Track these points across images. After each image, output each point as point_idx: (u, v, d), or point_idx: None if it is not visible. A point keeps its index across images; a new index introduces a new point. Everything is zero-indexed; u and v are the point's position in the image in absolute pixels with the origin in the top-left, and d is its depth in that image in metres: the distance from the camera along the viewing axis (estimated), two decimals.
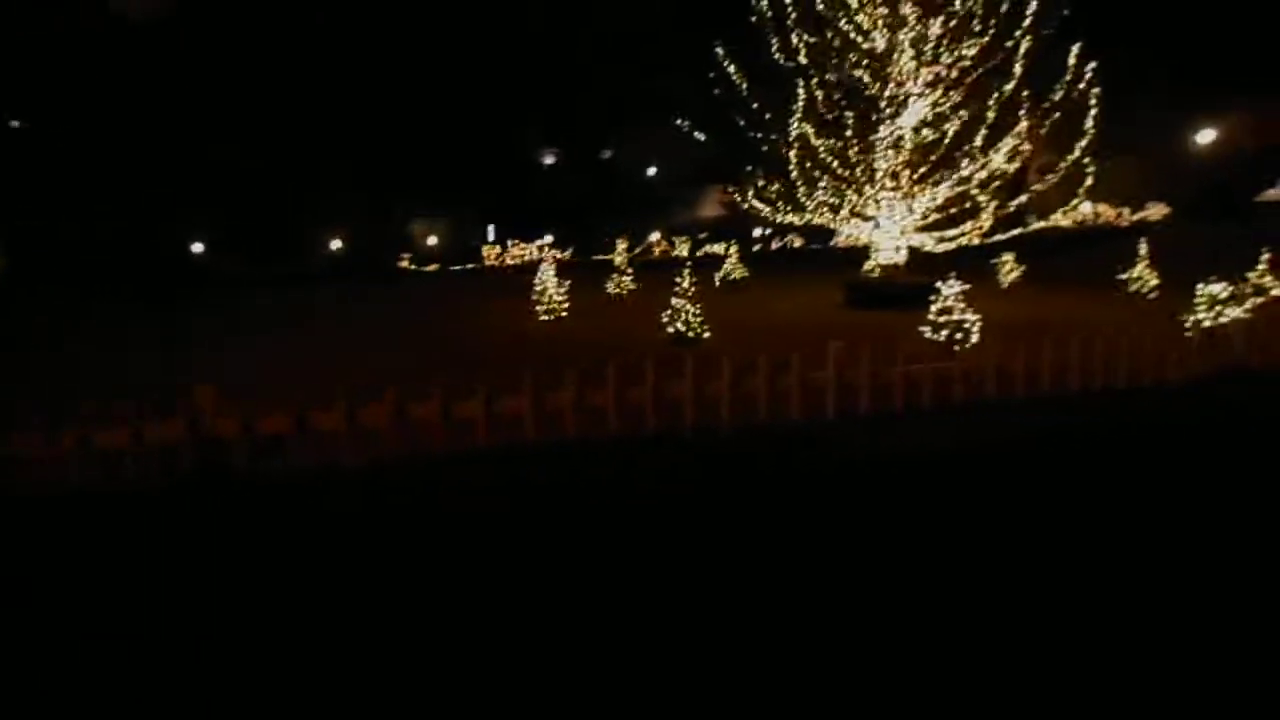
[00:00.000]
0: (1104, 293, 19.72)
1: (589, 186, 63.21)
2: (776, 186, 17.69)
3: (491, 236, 59.55)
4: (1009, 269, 22.19)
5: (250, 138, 41.55)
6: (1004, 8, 16.23)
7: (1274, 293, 13.29)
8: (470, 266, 43.52)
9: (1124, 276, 19.98)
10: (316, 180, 41.42)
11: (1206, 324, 11.21)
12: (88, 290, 29.68)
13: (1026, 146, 16.50)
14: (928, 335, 11.51)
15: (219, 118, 41.22)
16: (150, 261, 37.64)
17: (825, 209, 17.40)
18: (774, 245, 40.47)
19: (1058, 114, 16.01)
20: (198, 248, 45.07)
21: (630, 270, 23.84)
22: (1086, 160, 16.13)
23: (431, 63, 49.62)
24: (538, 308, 16.54)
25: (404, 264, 44.37)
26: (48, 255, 36.18)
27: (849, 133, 16.60)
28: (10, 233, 37.13)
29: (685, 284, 13.08)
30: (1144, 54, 16.95)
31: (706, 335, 12.91)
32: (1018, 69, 15.85)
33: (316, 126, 41.89)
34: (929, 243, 17.52)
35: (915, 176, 16.69)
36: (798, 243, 41.30)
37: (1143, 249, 19.80)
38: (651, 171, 63.41)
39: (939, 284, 11.96)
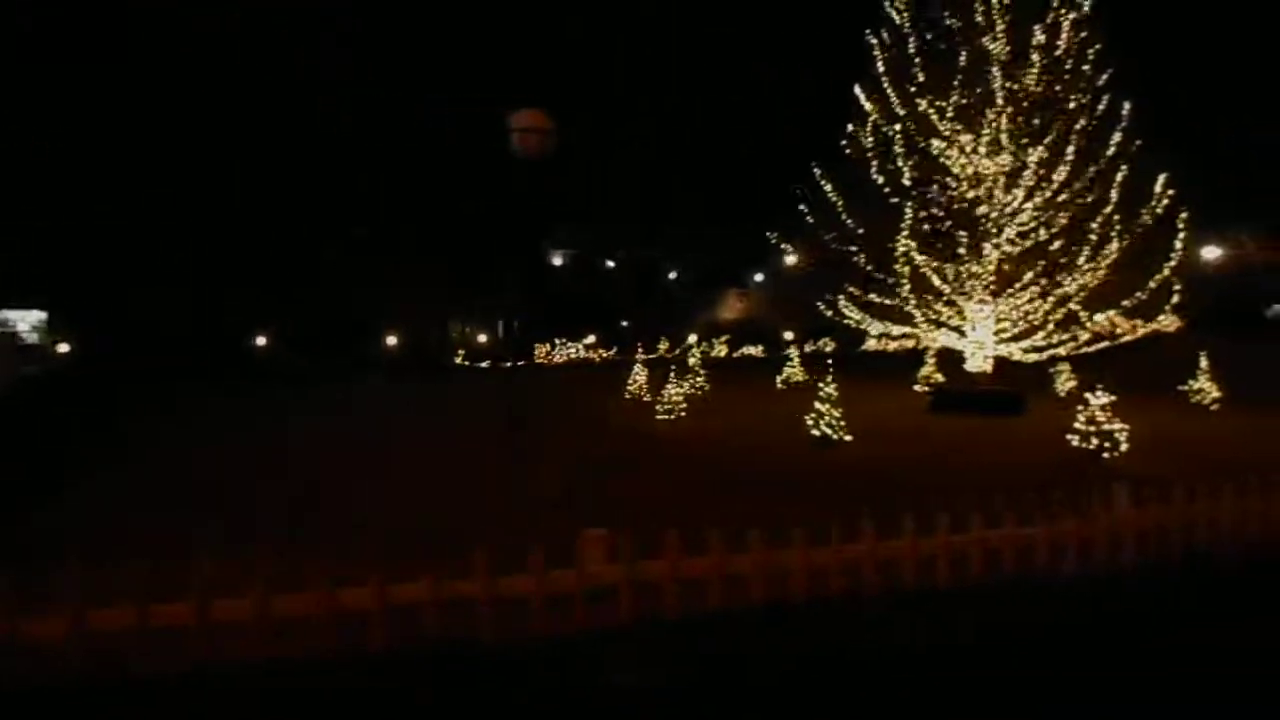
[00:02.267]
0: (1166, 403, 20.83)
1: (601, 286, 65.39)
2: (871, 296, 19.02)
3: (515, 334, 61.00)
4: (1065, 378, 23.53)
5: (320, 241, 43.65)
6: (1089, 128, 17.97)
7: None
8: (521, 363, 44.58)
9: (1185, 387, 21.32)
10: (375, 282, 43.20)
11: None
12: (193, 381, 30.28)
13: (1103, 266, 17.98)
14: (1075, 443, 12.48)
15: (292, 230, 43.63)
16: (228, 355, 38.70)
17: (928, 319, 18.71)
18: (807, 348, 41.83)
19: (1140, 234, 17.56)
20: (260, 341, 46.55)
21: (704, 370, 25.11)
22: (1175, 279, 17.66)
23: (464, 171, 52.01)
24: (658, 407, 17.52)
25: (459, 360, 45.49)
26: (124, 343, 37.02)
27: (961, 249, 18.05)
28: (84, 320, 38.16)
29: (828, 389, 14.13)
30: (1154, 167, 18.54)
31: (849, 439, 13.89)
32: (1113, 195, 17.47)
33: (377, 233, 44.06)
34: (1017, 352, 18.80)
35: (1010, 290, 18.10)
36: (830, 346, 42.76)
37: (1203, 361, 21.23)
38: (672, 275, 65.58)
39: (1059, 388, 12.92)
